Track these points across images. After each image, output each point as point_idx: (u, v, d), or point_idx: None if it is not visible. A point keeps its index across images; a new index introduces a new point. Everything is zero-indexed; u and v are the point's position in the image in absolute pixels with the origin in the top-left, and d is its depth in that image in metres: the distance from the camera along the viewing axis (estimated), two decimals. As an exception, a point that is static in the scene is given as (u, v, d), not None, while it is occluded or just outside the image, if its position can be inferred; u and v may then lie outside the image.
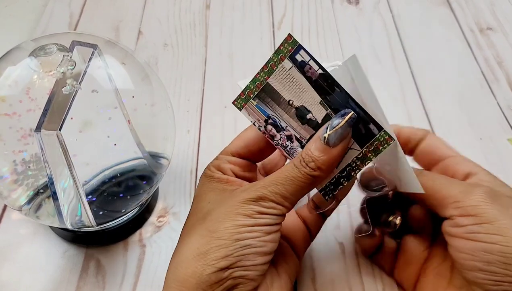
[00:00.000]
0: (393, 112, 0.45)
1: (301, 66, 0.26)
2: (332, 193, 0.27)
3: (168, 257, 0.34)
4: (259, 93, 0.27)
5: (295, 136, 0.27)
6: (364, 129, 0.26)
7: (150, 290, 0.33)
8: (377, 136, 0.26)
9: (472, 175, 0.28)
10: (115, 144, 0.30)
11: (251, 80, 0.27)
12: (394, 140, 0.26)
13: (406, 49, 0.52)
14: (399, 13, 0.57)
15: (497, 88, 0.48)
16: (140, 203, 0.34)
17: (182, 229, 0.27)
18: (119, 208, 0.33)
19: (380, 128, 0.26)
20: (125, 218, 0.35)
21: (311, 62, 0.26)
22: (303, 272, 0.34)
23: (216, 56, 0.51)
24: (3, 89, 0.28)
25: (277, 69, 0.27)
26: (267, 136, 0.28)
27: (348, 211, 0.37)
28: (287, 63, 0.26)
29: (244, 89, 0.28)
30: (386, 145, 0.26)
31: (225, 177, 0.28)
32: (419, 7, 0.58)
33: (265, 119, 0.28)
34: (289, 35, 0.26)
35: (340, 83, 0.26)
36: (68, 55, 0.29)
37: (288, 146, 0.28)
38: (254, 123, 0.28)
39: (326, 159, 0.25)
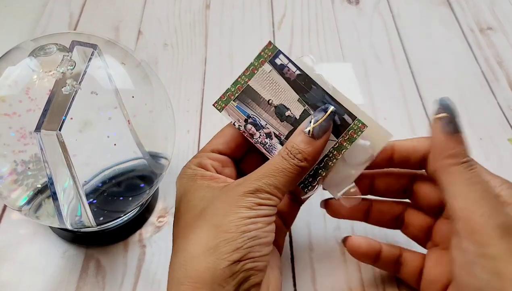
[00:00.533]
0: (393, 112, 0.45)
1: (280, 69, 0.29)
2: (311, 185, 0.29)
3: (168, 257, 0.34)
4: (240, 95, 0.29)
5: (274, 133, 0.29)
6: (340, 121, 0.28)
7: (150, 290, 0.33)
8: (351, 125, 0.28)
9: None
10: (115, 144, 0.30)
11: (232, 83, 0.30)
12: (366, 127, 0.28)
13: (406, 49, 0.52)
14: (399, 13, 0.57)
15: (497, 88, 0.48)
16: (140, 203, 0.34)
17: (175, 228, 0.27)
18: (119, 208, 0.33)
19: (353, 117, 0.28)
20: (125, 218, 0.35)
21: (290, 65, 0.29)
22: (303, 272, 0.34)
23: (216, 56, 0.51)
24: (3, 89, 0.28)
25: (257, 73, 0.29)
26: (247, 135, 0.29)
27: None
28: (267, 67, 0.29)
29: (224, 92, 0.30)
30: (359, 132, 0.28)
31: (208, 173, 0.28)
32: (419, 7, 0.58)
33: (245, 119, 0.29)
34: (270, 42, 0.29)
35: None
36: (68, 55, 0.28)
37: (267, 143, 0.29)
38: (234, 123, 0.29)
39: (312, 150, 0.26)
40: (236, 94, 0.29)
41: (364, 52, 0.52)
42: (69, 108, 0.27)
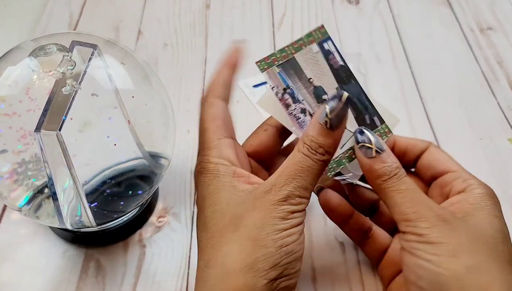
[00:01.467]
0: (394, 112, 0.45)
1: (326, 54, 0.30)
2: (335, 171, 0.29)
3: (169, 257, 0.34)
4: (284, 64, 0.29)
5: (309, 111, 0.29)
6: (369, 120, 0.30)
7: (150, 290, 0.33)
8: (378, 127, 0.30)
9: (462, 192, 0.28)
10: (115, 144, 0.30)
11: (279, 50, 0.29)
12: (392, 134, 0.30)
13: (406, 49, 0.52)
14: (399, 13, 0.57)
15: (497, 88, 0.48)
16: (140, 203, 0.34)
17: (203, 233, 0.26)
18: (119, 208, 0.33)
19: (382, 121, 0.30)
20: (125, 218, 0.35)
21: (335, 53, 0.30)
22: (303, 272, 0.34)
23: (216, 56, 0.51)
24: (3, 89, 0.28)
25: (305, 49, 0.29)
26: (282, 104, 0.29)
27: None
28: (315, 47, 0.29)
29: (269, 55, 0.28)
30: (385, 137, 0.30)
31: (232, 168, 0.27)
32: (419, 7, 0.58)
33: (284, 87, 0.29)
34: (322, 25, 0.30)
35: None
36: (68, 55, 0.28)
37: (300, 117, 0.29)
38: (272, 88, 0.28)
39: (332, 142, 0.26)
40: (281, 61, 0.29)
41: (364, 52, 0.51)
42: (69, 108, 0.26)
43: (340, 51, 0.30)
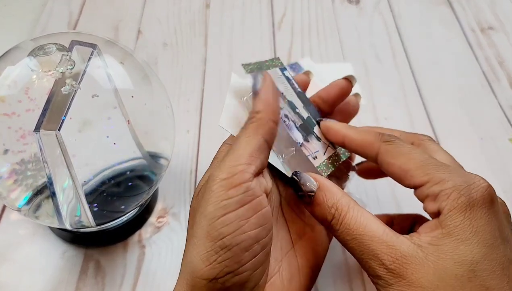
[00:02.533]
0: (394, 112, 0.45)
1: (288, 80, 0.32)
2: (326, 173, 0.30)
3: (168, 257, 0.34)
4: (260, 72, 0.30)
5: (290, 118, 0.30)
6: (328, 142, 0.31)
7: (149, 291, 0.33)
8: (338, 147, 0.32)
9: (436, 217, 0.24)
10: (114, 143, 0.30)
11: (254, 62, 0.30)
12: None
13: (406, 49, 0.52)
14: (400, 13, 0.56)
15: (498, 88, 0.48)
16: (139, 203, 0.34)
17: None
18: (118, 208, 0.33)
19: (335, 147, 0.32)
20: (125, 219, 0.35)
21: (293, 81, 0.32)
22: (304, 273, 0.34)
23: (216, 56, 0.51)
24: (2, 89, 0.28)
25: (272, 70, 0.31)
26: None
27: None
28: (278, 71, 0.31)
29: (250, 63, 0.30)
30: (347, 153, 0.32)
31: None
32: (420, 6, 0.58)
33: None
34: (278, 58, 0.32)
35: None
36: (67, 55, 0.28)
37: (286, 121, 0.30)
38: None
39: (259, 102, 0.25)
40: (257, 71, 0.30)
41: (365, 52, 0.51)
42: (68, 108, 0.26)
43: (294, 80, 0.32)
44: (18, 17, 0.55)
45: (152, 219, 0.37)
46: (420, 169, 0.24)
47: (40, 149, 0.27)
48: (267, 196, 0.24)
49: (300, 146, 0.29)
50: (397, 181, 0.26)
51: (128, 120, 0.30)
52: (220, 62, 0.50)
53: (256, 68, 0.30)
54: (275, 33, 0.53)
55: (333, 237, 0.30)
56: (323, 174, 0.30)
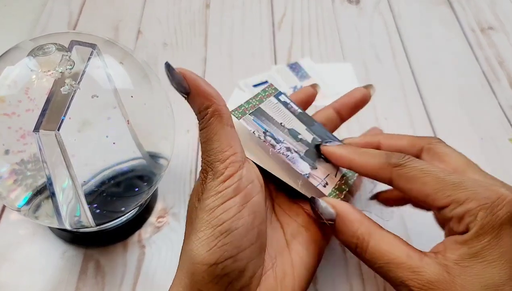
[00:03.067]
0: (394, 112, 0.45)
1: (285, 105, 0.31)
2: (340, 198, 0.29)
3: (168, 257, 0.34)
4: (254, 112, 0.30)
5: (293, 149, 0.29)
6: None
7: (149, 291, 0.33)
8: None
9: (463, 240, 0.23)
10: (114, 143, 0.30)
11: (245, 102, 0.30)
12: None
13: (406, 49, 0.52)
14: (400, 13, 0.56)
15: (498, 88, 0.48)
16: (139, 203, 0.34)
17: None
18: (118, 208, 0.33)
19: None
20: (124, 219, 0.35)
21: (292, 104, 0.32)
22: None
23: (216, 56, 0.51)
24: (2, 89, 0.28)
25: (265, 101, 0.31)
26: (268, 145, 0.28)
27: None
28: (273, 99, 0.31)
29: (239, 106, 0.29)
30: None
31: None
32: (420, 6, 0.58)
33: (263, 131, 0.29)
34: (271, 84, 0.32)
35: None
36: (66, 55, 0.28)
37: (289, 155, 0.29)
38: (254, 132, 0.29)
39: (198, 98, 0.24)
40: (251, 111, 0.30)
41: (365, 52, 0.51)
42: (68, 108, 0.26)
43: (293, 102, 0.32)
44: (18, 17, 0.55)
45: (152, 219, 0.37)
46: (440, 192, 0.24)
47: (40, 149, 0.27)
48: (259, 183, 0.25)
49: (308, 177, 0.28)
50: (418, 206, 0.27)
51: (128, 120, 0.30)
52: (220, 62, 0.50)
53: (245, 111, 0.29)
54: (275, 33, 0.53)
55: (331, 238, 0.30)
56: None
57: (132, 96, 0.31)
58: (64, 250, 0.35)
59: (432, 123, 0.44)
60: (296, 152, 0.29)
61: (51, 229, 0.36)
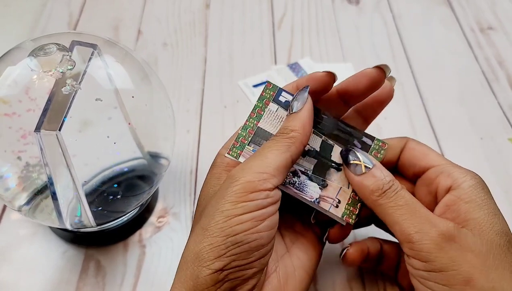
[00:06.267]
0: (394, 112, 0.45)
1: (286, 105, 0.28)
2: (354, 214, 0.28)
3: (168, 257, 0.34)
4: (253, 138, 0.28)
5: (300, 170, 0.28)
6: (360, 143, 0.29)
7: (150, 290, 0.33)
8: (372, 145, 0.29)
9: (452, 189, 0.26)
10: (114, 143, 0.30)
11: (242, 128, 0.28)
12: (387, 144, 0.29)
13: (406, 48, 0.52)
14: (400, 13, 0.57)
15: (498, 87, 0.48)
16: (140, 203, 0.34)
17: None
18: (118, 208, 0.33)
19: (372, 138, 0.29)
20: (125, 218, 0.35)
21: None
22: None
23: (216, 55, 0.51)
24: (3, 89, 0.28)
25: (264, 113, 0.28)
26: None
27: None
28: (273, 106, 0.28)
29: (236, 138, 0.28)
30: (382, 151, 0.29)
31: (226, 161, 0.27)
32: (420, 6, 0.58)
33: None
34: (268, 82, 0.29)
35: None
36: (67, 55, 0.28)
37: (296, 182, 0.27)
38: None
39: (298, 121, 0.26)
40: (249, 138, 0.28)
41: (364, 52, 0.51)
42: (69, 108, 0.26)
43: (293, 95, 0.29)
44: (18, 17, 0.55)
45: (153, 218, 0.37)
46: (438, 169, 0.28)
47: (41, 149, 0.27)
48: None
49: (318, 202, 0.27)
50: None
51: (129, 121, 0.30)
52: (220, 62, 0.50)
53: (243, 142, 0.27)
54: (275, 33, 0.53)
55: (325, 244, 0.30)
56: (350, 220, 0.27)
57: (132, 97, 0.31)
58: (64, 249, 0.35)
59: (431, 123, 0.44)
60: (303, 173, 0.28)
61: (52, 228, 0.36)
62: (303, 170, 0.28)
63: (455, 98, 0.47)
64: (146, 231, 0.36)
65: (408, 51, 0.52)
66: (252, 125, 0.28)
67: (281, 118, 0.28)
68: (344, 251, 0.30)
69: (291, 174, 0.27)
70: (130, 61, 0.32)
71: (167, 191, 0.39)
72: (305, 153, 0.28)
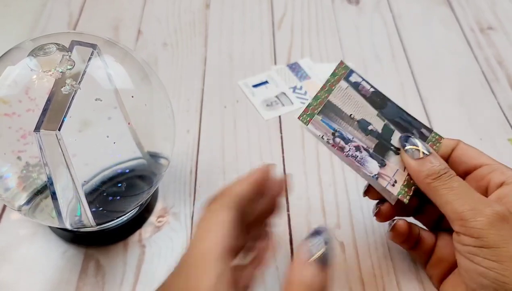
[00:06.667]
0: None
1: (356, 86, 0.31)
2: (408, 194, 0.29)
3: (168, 257, 0.34)
4: (322, 109, 0.29)
5: (362, 146, 0.29)
6: (418, 133, 0.31)
7: (149, 290, 0.33)
8: (429, 137, 0.31)
9: (505, 184, 0.28)
10: (114, 142, 0.30)
11: (313, 98, 0.30)
12: (443, 138, 0.31)
13: (406, 48, 0.52)
14: (400, 13, 0.57)
15: (497, 88, 0.48)
16: (139, 203, 0.34)
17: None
18: (118, 208, 0.33)
19: (430, 130, 0.31)
20: (125, 218, 0.35)
21: (363, 83, 0.31)
22: (303, 272, 0.34)
23: (216, 55, 0.51)
24: (2, 89, 0.28)
25: (335, 89, 0.30)
26: (337, 148, 0.29)
27: (349, 210, 0.37)
28: (343, 84, 0.30)
29: (307, 106, 0.29)
30: (438, 144, 0.31)
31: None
32: (420, 6, 0.58)
33: (332, 132, 0.29)
34: (341, 61, 0.31)
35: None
36: (67, 55, 0.28)
37: (358, 156, 0.29)
38: (322, 137, 0.29)
39: (325, 279, 0.24)
40: (319, 109, 0.29)
41: (364, 52, 0.51)
42: (68, 108, 0.26)
43: (366, 79, 0.31)
44: (18, 17, 0.55)
45: (152, 218, 0.37)
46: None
47: (40, 149, 0.27)
48: None
49: (377, 178, 0.29)
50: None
51: (128, 121, 0.31)
52: (220, 62, 0.50)
53: (313, 111, 0.29)
54: (275, 33, 0.53)
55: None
56: (404, 199, 0.29)
57: (132, 96, 0.31)
58: (64, 249, 0.35)
59: (431, 123, 0.44)
60: (365, 149, 0.29)
61: (52, 228, 0.36)
62: (365, 146, 0.29)
63: (454, 98, 0.47)
64: (145, 231, 0.36)
65: (408, 51, 0.52)
66: (323, 97, 0.30)
67: (349, 96, 0.30)
68: (394, 222, 0.31)
69: (354, 149, 0.29)
70: (130, 61, 0.32)
71: (167, 191, 0.39)
72: (368, 132, 0.30)
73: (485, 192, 0.29)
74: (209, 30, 0.54)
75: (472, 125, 0.44)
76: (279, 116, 0.44)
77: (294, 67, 0.49)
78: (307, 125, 0.29)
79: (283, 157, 0.41)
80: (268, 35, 0.53)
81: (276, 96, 0.46)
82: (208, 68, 0.49)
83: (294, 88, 0.47)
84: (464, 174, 0.30)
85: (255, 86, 0.47)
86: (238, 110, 0.45)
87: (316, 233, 0.25)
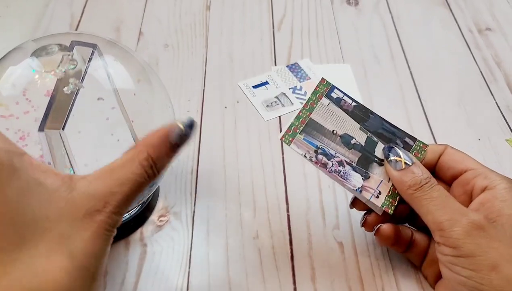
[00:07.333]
0: (392, 113, 0.46)
1: (338, 102, 0.31)
2: (393, 205, 0.30)
3: (169, 256, 0.35)
4: (304, 128, 0.30)
5: (345, 161, 0.30)
6: (402, 143, 0.31)
7: (151, 289, 0.33)
8: (413, 146, 0.31)
9: (488, 189, 0.28)
10: (118, 140, 0.30)
11: (295, 117, 0.30)
12: (428, 146, 0.31)
13: (405, 49, 0.52)
14: (399, 14, 0.57)
15: (496, 88, 0.48)
16: (140, 202, 0.34)
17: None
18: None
19: (414, 139, 0.32)
20: (127, 216, 0.35)
21: (345, 97, 0.32)
22: (303, 271, 0.34)
23: (216, 56, 0.51)
24: (4, 89, 0.28)
25: (316, 106, 0.31)
26: (320, 165, 0.30)
27: (348, 210, 0.37)
28: (325, 100, 0.31)
29: (289, 126, 0.30)
30: (423, 151, 0.31)
31: (22, 153, 0.21)
32: (418, 7, 0.58)
33: (315, 150, 0.30)
34: (323, 78, 0.31)
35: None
36: (68, 54, 0.29)
37: (341, 170, 0.30)
38: (305, 155, 0.30)
39: (167, 162, 0.24)
40: (301, 128, 0.30)
41: (363, 53, 0.52)
42: (71, 107, 0.27)
43: (347, 93, 0.32)
44: (20, 18, 0.56)
45: (154, 217, 0.37)
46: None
47: (43, 148, 0.27)
48: None
49: (360, 191, 0.30)
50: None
51: (129, 121, 0.31)
52: (220, 62, 0.50)
53: (295, 131, 0.30)
54: (275, 34, 0.54)
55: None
56: (389, 210, 0.30)
57: (133, 97, 0.31)
58: (66, 248, 0.35)
59: (430, 123, 0.45)
60: (348, 163, 0.30)
61: (54, 227, 0.36)
62: (348, 160, 0.30)
63: (453, 99, 0.47)
64: (147, 229, 0.36)
65: (407, 52, 0.52)
66: (304, 116, 0.30)
67: (331, 112, 0.31)
68: (378, 226, 0.31)
69: (336, 164, 0.30)
70: (130, 61, 0.32)
71: (168, 191, 0.39)
72: (352, 146, 0.30)
73: (470, 197, 0.29)
74: (210, 31, 0.54)
75: (471, 126, 0.45)
76: (279, 117, 0.45)
77: (294, 68, 0.50)
78: (289, 145, 0.30)
79: (282, 157, 0.41)
80: (268, 36, 0.54)
81: (276, 97, 0.46)
82: (208, 69, 0.50)
83: (294, 88, 0.47)
84: (451, 179, 0.31)
85: (255, 87, 0.48)
86: (238, 110, 0.45)
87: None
